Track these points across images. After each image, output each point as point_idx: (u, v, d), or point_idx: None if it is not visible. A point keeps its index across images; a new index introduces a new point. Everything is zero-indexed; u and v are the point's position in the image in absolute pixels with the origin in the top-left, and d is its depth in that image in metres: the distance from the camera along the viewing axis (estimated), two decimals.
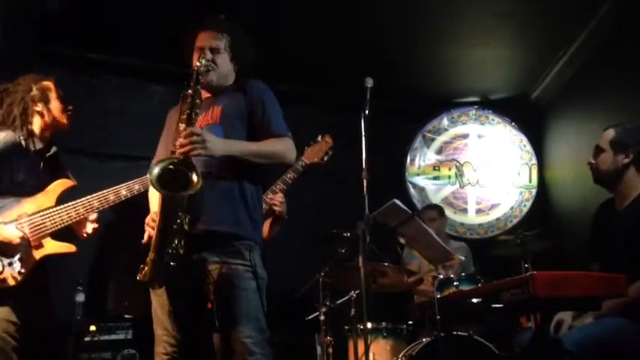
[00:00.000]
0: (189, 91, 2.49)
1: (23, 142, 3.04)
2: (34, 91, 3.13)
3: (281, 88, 5.41)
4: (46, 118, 3.14)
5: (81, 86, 4.95)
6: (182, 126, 2.46)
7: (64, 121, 3.20)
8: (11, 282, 2.84)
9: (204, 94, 2.63)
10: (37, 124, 3.13)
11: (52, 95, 3.18)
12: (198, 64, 2.57)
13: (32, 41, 4.39)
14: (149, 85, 5.33)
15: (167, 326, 2.52)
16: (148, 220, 2.56)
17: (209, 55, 2.68)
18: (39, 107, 3.13)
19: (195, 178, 2.30)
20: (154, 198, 2.67)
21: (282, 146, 2.66)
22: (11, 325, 2.87)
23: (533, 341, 2.79)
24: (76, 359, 3.92)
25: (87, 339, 3.98)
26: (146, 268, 2.43)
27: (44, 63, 4.73)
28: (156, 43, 4.75)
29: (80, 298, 4.24)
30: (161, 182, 2.30)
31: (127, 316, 4.18)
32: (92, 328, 4.01)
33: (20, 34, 4.12)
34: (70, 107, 3.22)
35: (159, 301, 2.55)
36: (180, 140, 2.39)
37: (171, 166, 2.34)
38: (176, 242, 2.35)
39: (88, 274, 4.57)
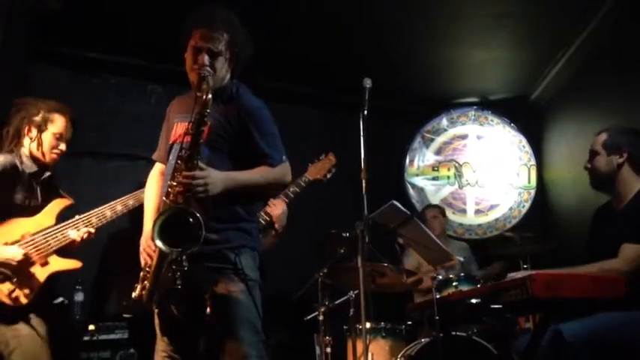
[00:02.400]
0: (190, 129, 2.37)
1: (19, 165, 3.07)
2: (38, 117, 3.14)
3: (280, 87, 5.49)
4: (35, 146, 3.15)
5: (80, 85, 4.96)
6: (181, 165, 2.38)
7: (48, 158, 3.19)
8: (23, 300, 2.91)
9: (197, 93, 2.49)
10: (28, 148, 3.15)
11: (51, 128, 3.17)
12: (203, 89, 2.38)
13: (32, 40, 4.38)
14: (147, 85, 5.33)
15: (165, 327, 2.54)
16: (143, 245, 2.50)
17: (207, 60, 2.51)
18: (32, 133, 3.14)
19: (200, 233, 2.24)
20: (149, 215, 2.66)
21: (277, 174, 2.59)
22: (36, 341, 2.93)
23: (530, 342, 2.79)
24: (75, 358, 3.92)
25: (86, 338, 3.98)
26: (138, 287, 2.46)
27: (44, 62, 4.74)
28: (155, 42, 4.75)
29: (79, 297, 4.24)
30: (165, 237, 2.25)
31: (125, 315, 4.18)
32: (91, 327, 4.01)
33: (20, 33, 4.12)
34: (61, 149, 3.21)
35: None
36: (180, 181, 2.34)
37: (173, 215, 2.30)
38: (174, 275, 2.32)
39: (87, 273, 4.55)
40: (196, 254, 2.32)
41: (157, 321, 2.57)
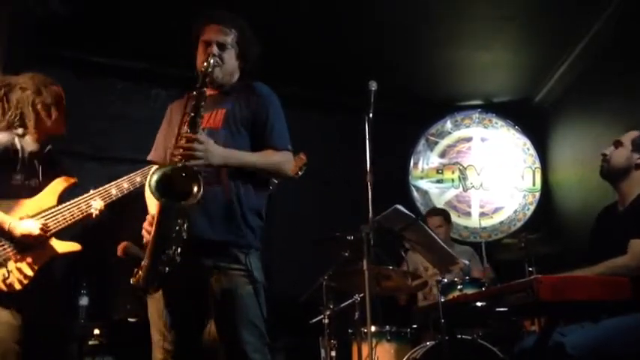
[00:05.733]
0: (195, 92, 2.42)
1: (19, 144, 2.98)
2: (45, 95, 3.06)
3: (283, 90, 5.43)
4: (51, 123, 3.08)
5: (84, 89, 4.96)
6: (185, 129, 2.38)
7: (63, 129, 3.16)
8: (17, 286, 2.80)
9: (208, 91, 2.52)
10: (38, 128, 3.05)
11: (63, 102, 3.14)
12: (205, 64, 2.50)
13: (35, 44, 4.39)
14: (152, 89, 5.33)
15: (164, 331, 2.49)
16: (145, 224, 2.47)
17: (216, 50, 2.59)
18: (51, 112, 3.06)
19: (195, 188, 2.22)
20: (152, 199, 2.59)
21: (280, 159, 2.59)
22: (13, 329, 2.82)
23: (536, 346, 2.78)
24: None
25: (90, 342, 3.98)
26: (140, 272, 2.39)
27: (47, 65, 4.73)
28: (159, 46, 4.76)
29: (84, 301, 4.25)
30: (160, 189, 2.22)
31: (130, 319, 4.18)
32: (96, 331, 4.01)
33: (23, 37, 4.12)
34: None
35: (156, 305, 2.50)
36: (182, 144, 2.34)
37: (170, 172, 2.27)
38: (172, 249, 2.29)
39: (91, 277, 4.56)
40: (204, 252, 2.33)
41: (151, 310, 2.51)
